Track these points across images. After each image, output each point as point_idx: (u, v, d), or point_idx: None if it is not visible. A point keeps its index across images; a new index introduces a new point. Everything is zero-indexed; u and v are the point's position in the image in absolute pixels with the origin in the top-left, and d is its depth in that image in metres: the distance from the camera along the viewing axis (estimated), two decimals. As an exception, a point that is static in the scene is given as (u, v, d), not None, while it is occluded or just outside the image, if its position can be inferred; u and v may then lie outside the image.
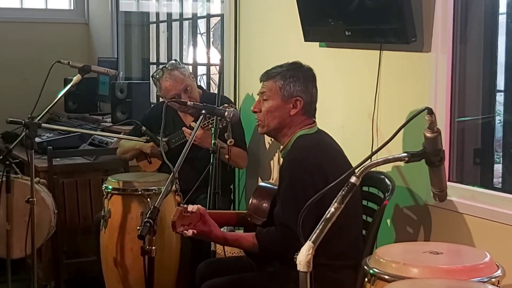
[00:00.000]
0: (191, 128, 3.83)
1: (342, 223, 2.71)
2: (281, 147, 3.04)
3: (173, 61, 4.17)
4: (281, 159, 3.03)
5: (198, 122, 3.19)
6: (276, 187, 2.99)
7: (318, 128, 2.99)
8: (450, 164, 3.05)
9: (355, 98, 3.50)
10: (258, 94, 3.02)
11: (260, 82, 3.01)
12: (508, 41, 3.00)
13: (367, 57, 3.36)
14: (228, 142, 3.42)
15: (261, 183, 3.23)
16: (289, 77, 2.93)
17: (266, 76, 2.99)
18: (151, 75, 4.42)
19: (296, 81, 2.92)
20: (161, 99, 4.39)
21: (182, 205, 2.84)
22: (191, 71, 4.54)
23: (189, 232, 2.78)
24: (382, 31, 3.16)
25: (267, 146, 4.23)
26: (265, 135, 4.21)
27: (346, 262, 2.83)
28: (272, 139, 4.13)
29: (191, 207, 2.80)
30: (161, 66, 4.21)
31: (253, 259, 2.98)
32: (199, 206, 2.83)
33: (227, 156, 3.53)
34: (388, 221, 3.21)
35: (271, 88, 2.95)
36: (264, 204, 3.02)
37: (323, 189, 2.10)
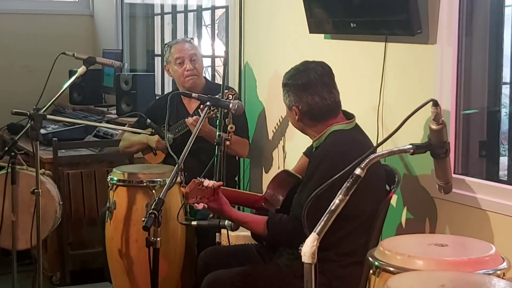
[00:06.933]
0: (195, 114, 3.84)
1: (360, 226, 2.73)
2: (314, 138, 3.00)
3: (188, 38, 4.30)
4: (297, 152, 3.00)
5: (202, 115, 3.18)
6: (296, 180, 2.99)
7: (356, 124, 2.96)
8: (456, 157, 3.04)
9: (360, 90, 3.49)
10: None
11: None
12: (514, 33, 2.99)
13: (372, 49, 3.35)
14: (229, 128, 3.42)
15: (283, 171, 3.24)
16: (284, 88, 2.96)
17: None
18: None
19: (289, 92, 2.94)
20: (166, 91, 4.37)
21: (199, 178, 2.85)
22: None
23: (200, 206, 2.82)
24: (387, 23, 3.15)
25: (271, 137, 4.22)
26: (267, 130, 4.23)
27: (356, 259, 2.81)
28: (275, 130, 4.15)
29: (207, 182, 2.82)
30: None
31: (260, 243, 2.99)
32: (214, 182, 2.85)
33: (228, 143, 3.52)
34: (394, 213, 3.21)
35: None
36: (279, 196, 3.06)
37: (332, 184, 2.12)
